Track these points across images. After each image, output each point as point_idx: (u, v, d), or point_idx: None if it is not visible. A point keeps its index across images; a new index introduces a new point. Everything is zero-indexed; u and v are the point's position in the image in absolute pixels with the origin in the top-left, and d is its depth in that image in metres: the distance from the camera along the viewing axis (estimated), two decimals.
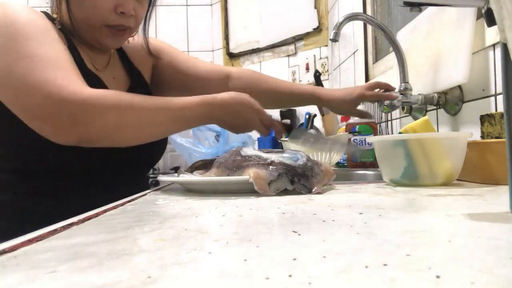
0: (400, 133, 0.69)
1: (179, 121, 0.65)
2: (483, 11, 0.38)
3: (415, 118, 1.02)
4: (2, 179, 0.69)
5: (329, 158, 1.05)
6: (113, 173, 0.72)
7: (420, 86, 0.93)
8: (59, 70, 0.58)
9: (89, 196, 0.59)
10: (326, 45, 2.18)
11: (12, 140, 0.67)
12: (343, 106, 0.92)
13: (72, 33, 0.72)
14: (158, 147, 0.82)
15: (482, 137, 0.67)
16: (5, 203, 0.68)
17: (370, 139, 0.63)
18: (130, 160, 0.76)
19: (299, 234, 0.27)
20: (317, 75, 1.69)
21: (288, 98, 0.96)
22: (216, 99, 0.65)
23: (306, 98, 0.94)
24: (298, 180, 0.53)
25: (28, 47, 0.59)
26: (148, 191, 0.62)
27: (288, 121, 0.73)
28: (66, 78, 0.57)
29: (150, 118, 0.62)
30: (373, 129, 1.15)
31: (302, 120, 2.19)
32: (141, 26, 0.78)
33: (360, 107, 1.22)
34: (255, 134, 2.03)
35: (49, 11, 0.73)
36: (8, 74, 0.58)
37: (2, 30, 0.60)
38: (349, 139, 1.15)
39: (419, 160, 0.54)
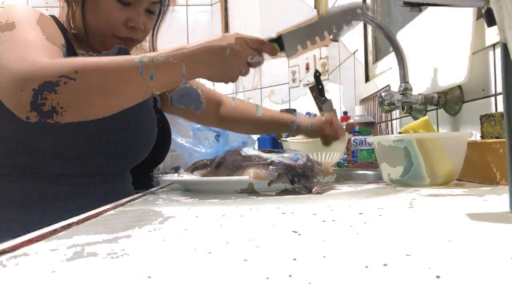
0: (400, 133, 0.69)
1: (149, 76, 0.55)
2: (483, 11, 0.38)
3: (415, 118, 1.02)
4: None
5: (329, 157, 1.05)
6: (118, 173, 0.74)
7: (420, 86, 0.93)
8: (32, 49, 0.56)
9: (94, 196, 0.59)
10: (326, 45, 2.18)
11: (13, 140, 0.67)
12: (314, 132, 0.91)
13: (82, 39, 0.73)
14: (161, 146, 0.84)
15: (482, 137, 0.67)
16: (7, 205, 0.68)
17: (370, 139, 0.63)
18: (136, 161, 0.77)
19: (299, 234, 0.27)
20: (317, 75, 1.68)
21: (270, 127, 0.99)
22: (191, 44, 0.58)
23: (286, 126, 0.95)
24: (298, 180, 0.53)
25: (10, 35, 0.59)
26: (148, 191, 0.62)
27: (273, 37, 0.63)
28: (34, 54, 0.55)
29: (112, 77, 0.55)
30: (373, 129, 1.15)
31: None
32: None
33: (361, 107, 1.22)
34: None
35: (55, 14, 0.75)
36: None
37: None
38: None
39: (420, 160, 0.54)
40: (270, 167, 0.53)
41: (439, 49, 0.86)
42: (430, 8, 0.93)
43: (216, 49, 0.57)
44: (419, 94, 0.90)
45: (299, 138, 1.13)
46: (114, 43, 0.72)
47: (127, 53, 0.79)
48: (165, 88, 0.59)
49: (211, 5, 2.67)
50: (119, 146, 0.72)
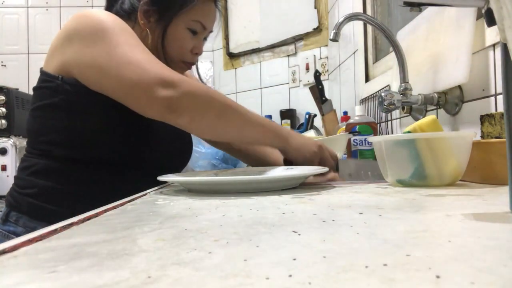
0: (406, 132, 0.68)
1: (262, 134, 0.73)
2: (483, 11, 0.38)
3: (415, 118, 1.02)
4: (53, 166, 0.75)
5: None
6: (160, 169, 0.78)
7: (420, 86, 0.93)
8: (152, 58, 0.69)
9: (137, 189, 0.61)
10: (326, 45, 2.18)
11: (73, 130, 0.74)
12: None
13: None
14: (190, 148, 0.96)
15: (482, 137, 0.68)
16: (55, 189, 0.74)
17: (375, 138, 0.61)
18: (176, 156, 0.88)
19: (299, 234, 0.27)
20: (317, 75, 1.69)
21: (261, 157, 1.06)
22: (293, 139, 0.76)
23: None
24: None
25: (120, 42, 0.70)
26: (148, 191, 0.62)
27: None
28: (162, 65, 0.69)
29: (241, 117, 0.70)
30: (373, 129, 1.15)
31: (302, 120, 2.19)
32: None
33: (361, 107, 1.22)
34: None
35: None
36: (110, 59, 0.68)
37: (92, 30, 0.70)
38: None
39: (429, 160, 0.53)
40: None
41: (439, 49, 0.86)
42: (430, 8, 0.93)
43: (302, 138, 0.77)
44: (419, 94, 0.90)
45: None
46: (179, 66, 0.86)
47: None
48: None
49: None
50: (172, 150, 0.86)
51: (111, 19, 0.73)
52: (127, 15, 0.84)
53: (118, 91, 0.69)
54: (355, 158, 0.84)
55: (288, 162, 0.80)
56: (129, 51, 0.68)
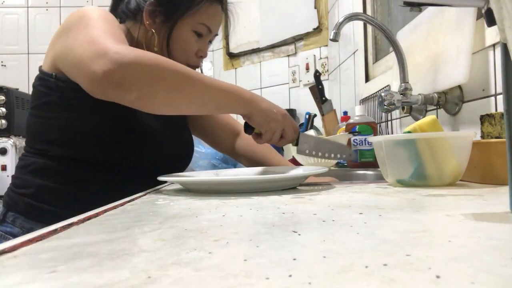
0: (406, 132, 0.68)
1: (215, 102, 0.67)
2: (483, 11, 0.38)
3: (415, 118, 1.02)
4: (50, 165, 0.74)
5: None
6: (160, 171, 0.76)
7: (420, 86, 0.93)
8: (110, 35, 0.63)
9: (135, 190, 0.61)
10: (326, 45, 2.18)
11: (70, 129, 0.73)
12: None
13: None
14: (191, 146, 0.93)
15: (482, 137, 0.68)
16: (52, 188, 0.73)
17: (375, 138, 0.61)
18: (174, 158, 0.86)
19: (299, 234, 0.27)
20: (317, 75, 1.69)
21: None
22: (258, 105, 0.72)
23: None
24: None
25: (90, 25, 0.66)
26: (148, 191, 0.62)
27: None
28: (114, 41, 0.62)
29: (187, 84, 0.63)
30: (373, 129, 1.15)
31: (302, 120, 2.19)
32: None
33: (361, 107, 1.22)
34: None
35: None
36: (75, 40, 0.65)
37: (75, 21, 0.69)
38: (349, 140, 1.14)
39: (429, 160, 0.53)
40: None
41: (439, 49, 0.86)
42: (430, 8, 0.93)
43: (267, 103, 0.73)
44: (419, 94, 0.90)
45: None
46: None
47: None
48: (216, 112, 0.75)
49: None
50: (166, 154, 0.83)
51: (96, 11, 0.70)
52: (133, 15, 0.83)
53: (73, 71, 0.66)
54: (316, 136, 0.83)
55: (249, 128, 0.75)
56: (94, 31, 0.63)
